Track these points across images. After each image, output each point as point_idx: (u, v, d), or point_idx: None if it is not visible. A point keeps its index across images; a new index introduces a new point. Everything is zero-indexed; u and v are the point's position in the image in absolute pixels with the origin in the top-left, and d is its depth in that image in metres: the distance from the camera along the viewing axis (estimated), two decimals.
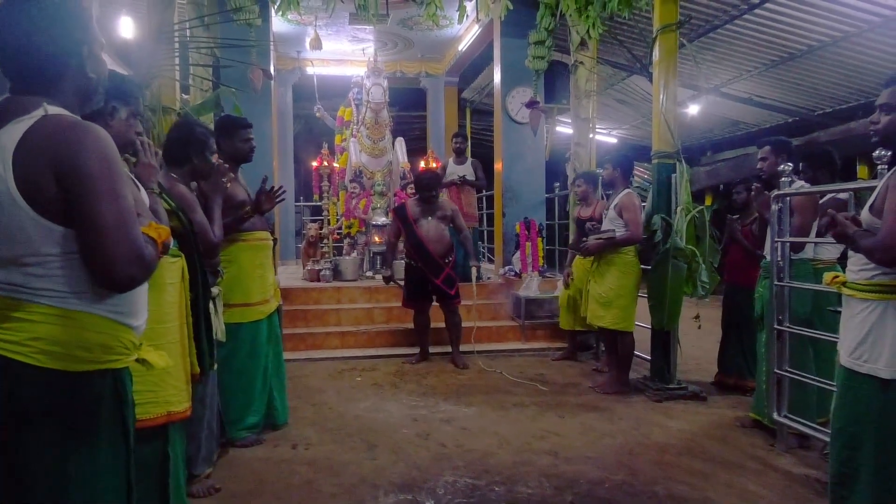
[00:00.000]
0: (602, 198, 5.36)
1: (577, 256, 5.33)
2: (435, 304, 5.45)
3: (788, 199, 3.52)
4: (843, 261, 3.85)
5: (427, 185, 5.29)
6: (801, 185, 3.61)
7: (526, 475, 3.10)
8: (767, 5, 6.49)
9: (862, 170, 9.02)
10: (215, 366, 2.95)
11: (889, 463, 2.08)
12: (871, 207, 2.13)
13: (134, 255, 1.36)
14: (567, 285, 5.41)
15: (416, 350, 5.57)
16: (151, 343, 1.79)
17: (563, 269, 5.71)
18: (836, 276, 2.30)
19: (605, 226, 4.69)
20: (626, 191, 4.63)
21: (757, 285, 3.83)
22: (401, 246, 5.66)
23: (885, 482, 2.09)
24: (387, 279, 5.50)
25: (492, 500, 2.84)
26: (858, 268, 2.16)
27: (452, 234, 5.48)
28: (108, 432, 1.44)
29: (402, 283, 5.47)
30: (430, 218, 5.26)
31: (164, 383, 2.29)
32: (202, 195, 3.03)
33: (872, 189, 2.85)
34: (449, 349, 5.48)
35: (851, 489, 2.18)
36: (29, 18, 1.37)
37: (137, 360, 1.59)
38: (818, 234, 3.49)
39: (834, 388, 3.32)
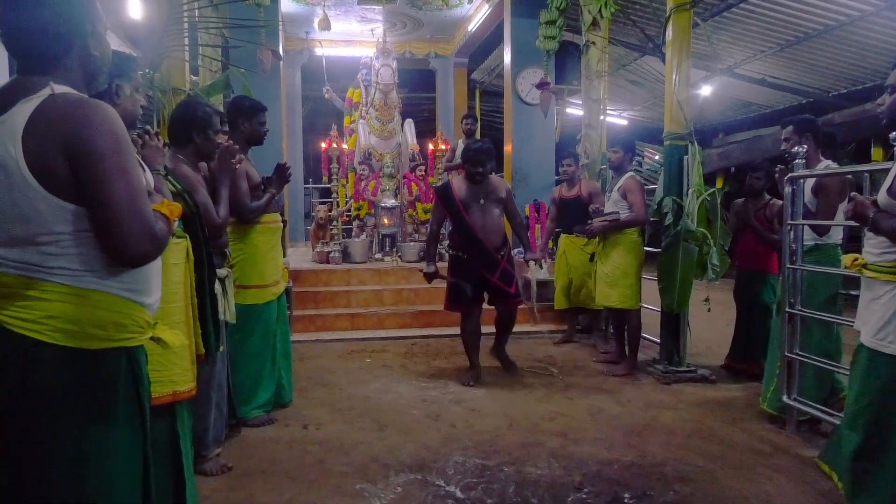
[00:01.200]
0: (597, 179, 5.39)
1: (566, 237, 5.35)
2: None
3: (802, 180, 3.48)
4: (851, 243, 3.84)
5: (478, 160, 4.26)
6: (827, 164, 3.56)
7: (535, 456, 3.12)
8: None
9: (877, 152, 8.89)
10: (221, 347, 2.97)
11: None
12: (889, 190, 2.12)
13: (145, 231, 1.37)
14: (540, 265, 5.39)
15: (430, 332, 5.34)
16: (158, 321, 1.80)
17: (542, 249, 5.66)
18: (856, 259, 2.29)
19: (609, 208, 4.73)
20: (630, 173, 4.73)
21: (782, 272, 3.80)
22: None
23: None
24: (429, 276, 4.46)
25: (501, 480, 2.86)
26: (881, 251, 2.15)
27: None
28: (125, 410, 1.46)
29: (453, 281, 4.38)
30: (481, 201, 4.30)
31: (169, 363, 2.32)
32: (211, 176, 3.03)
33: (887, 171, 2.84)
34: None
35: (875, 463, 2.21)
36: None
37: (153, 339, 1.61)
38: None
39: (844, 371, 3.36)
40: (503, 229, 4.44)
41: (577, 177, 5.46)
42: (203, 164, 3.05)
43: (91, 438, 1.39)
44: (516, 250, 6.33)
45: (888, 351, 2.14)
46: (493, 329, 4.68)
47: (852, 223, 3.24)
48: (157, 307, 1.62)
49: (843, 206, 3.50)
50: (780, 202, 4.43)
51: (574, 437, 3.37)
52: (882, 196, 2.16)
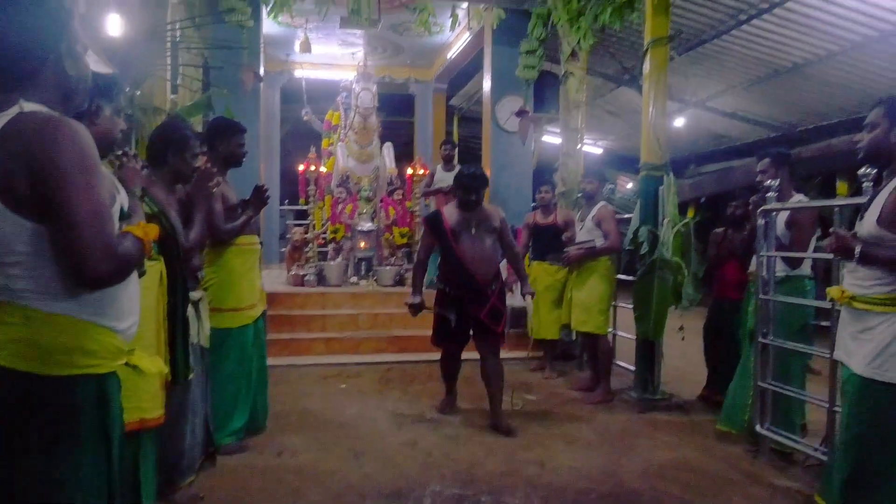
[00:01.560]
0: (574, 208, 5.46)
1: (538, 263, 5.41)
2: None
3: (775, 213, 3.57)
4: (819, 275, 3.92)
5: (472, 186, 3.96)
6: (800, 198, 3.66)
7: (512, 485, 3.10)
8: (755, 22, 6.59)
9: (842, 185, 9.17)
10: (191, 374, 2.91)
11: None
12: (879, 220, 2.19)
13: (106, 251, 1.33)
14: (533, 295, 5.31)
15: (406, 357, 5.27)
16: (134, 347, 1.76)
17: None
18: (843, 292, 2.34)
19: (583, 236, 4.84)
20: (603, 203, 4.89)
21: (747, 301, 3.86)
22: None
23: None
24: (415, 308, 4.12)
25: None
26: (871, 282, 2.21)
27: None
28: (89, 440, 1.42)
29: (439, 312, 4.10)
30: (473, 230, 3.98)
31: (139, 389, 2.26)
32: (188, 198, 2.98)
33: (858, 206, 2.93)
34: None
35: (869, 490, 2.24)
36: (3, 12, 1.35)
37: (128, 366, 1.57)
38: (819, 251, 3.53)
39: (816, 401, 3.42)
40: (496, 261, 4.14)
41: (553, 204, 5.52)
42: (180, 186, 3.01)
43: (51, 469, 1.35)
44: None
45: (884, 379, 2.19)
46: (475, 354, 4.31)
47: (825, 255, 3.34)
48: (133, 332, 1.59)
49: (814, 240, 3.62)
50: None
51: (551, 466, 3.36)
52: (869, 227, 2.22)
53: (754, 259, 3.72)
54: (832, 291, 2.42)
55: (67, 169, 1.30)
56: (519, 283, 4.35)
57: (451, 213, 4.07)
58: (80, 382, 1.40)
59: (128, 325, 1.54)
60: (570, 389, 4.97)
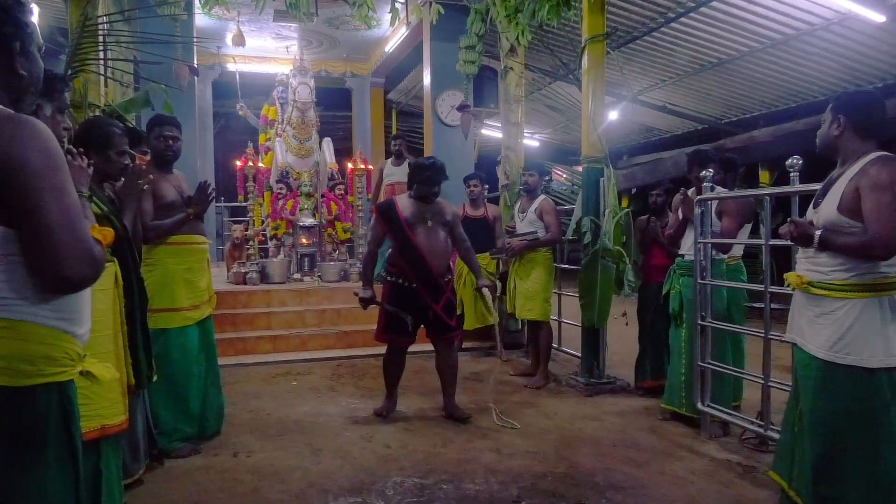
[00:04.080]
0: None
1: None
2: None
3: (710, 202, 3.77)
4: (747, 259, 4.18)
5: (434, 180, 3.91)
6: (720, 190, 3.88)
7: (472, 472, 3.17)
8: (682, 20, 6.89)
9: (763, 174, 9.70)
10: (155, 377, 2.84)
11: (873, 444, 2.27)
12: (839, 208, 2.27)
13: (85, 253, 1.31)
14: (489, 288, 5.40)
15: (356, 353, 5.23)
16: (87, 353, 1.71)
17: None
18: (800, 278, 2.42)
19: (524, 227, 4.99)
20: (544, 196, 5.06)
21: (669, 282, 4.06)
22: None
23: (870, 463, 2.28)
24: (365, 301, 4.00)
25: (441, 498, 2.89)
26: (830, 268, 2.31)
27: None
28: (56, 452, 1.38)
29: (390, 308, 3.95)
30: (429, 222, 3.93)
31: (97, 396, 2.20)
32: (117, 197, 2.87)
33: (788, 195, 3.12)
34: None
35: (835, 472, 2.33)
36: None
37: (81, 373, 1.53)
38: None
39: (749, 377, 3.63)
40: (449, 254, 4.11)
41: (483, 198, 5.66)
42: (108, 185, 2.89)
43: (18, 485, 1.30)
44: None
45: (846, 362, 2.29)
46: (424, 346, 4.38)
47: (754, 241, 3.56)
48: (88, 337, 1.55)
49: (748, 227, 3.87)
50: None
51: (508, 452, 3.45)
52: (829, 214, 2.31)
53: (686, 243, 3.93)
54: (790, 277, 2.48)
55: (36, 168, 1.25)
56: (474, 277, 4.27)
57: (405, 204, 3.97)
58: (44, 392, 1.35)
59: (86, 329, 1.51)
60: (512, 375, 5.09)
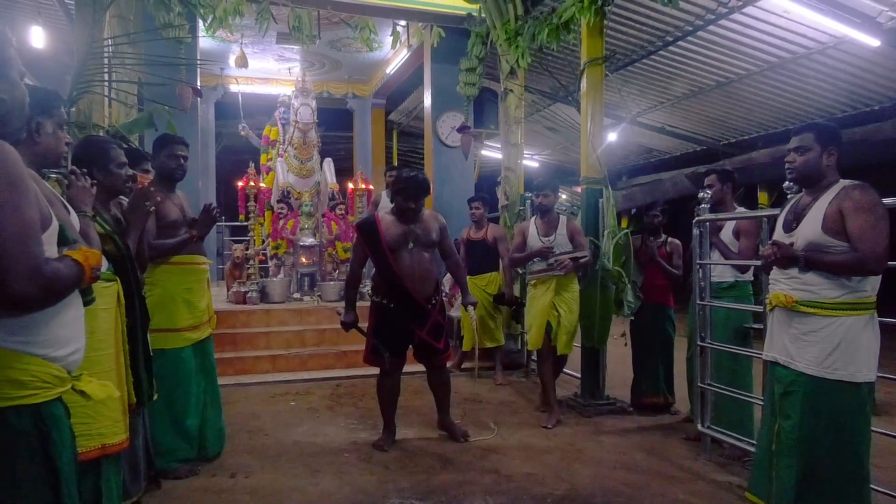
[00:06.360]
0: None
1: (468, 278, 5.32)
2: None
3: (708, 223, 3.79)
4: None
5: (413, 194, 3.71)
6: (741, 210, 3.91)
7: (471, 494, 3.15)
8: (680, 43, 6.97)
9: (762, 195, 9.76)
10: (156, 395, 2.84)
11: (858, 459, 2.35)
12: (823, 228, 2.38)
13: (30, 269, 1.29)
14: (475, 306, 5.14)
15: (356, 372, 5.18)
16: (83, 372, 1.70)
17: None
18: (787, 297, 2.48)
19: (558, 250, 4.49)
20: (568, 216, 4.69)
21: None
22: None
23: (855, 478, 2.34)
24: (346, 325, 3.90)
25: None
26: (819, 287, 2.39)
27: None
28: (29, 472, 1.37)
29: (372, 340, 3.86)
30: (411, 243, 3.73)
31: (97, 415, 2.21)
32: (124, 217, 2.89)
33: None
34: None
35: (819, 489, 2.38)
36: None
37: (76, 391, 1.53)
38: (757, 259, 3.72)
39: (751, 399, 3.62)
40: (435, 276, 3.93)
41: (486, 220, 5.68)
42: (118, 202, 2.90)
43: None
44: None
45: (835, 377, 2.37)
46: (418, 367, 4.31)
47: (752, 262, 3.57)
48: (78, 360, 1.54)
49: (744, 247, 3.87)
50: (677, 240, 4.79)
51: (507, 474, 3.43)
52: (813, 234, 2.40)
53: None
54: (777, 296, 2.52)
55: None
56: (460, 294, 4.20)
57: (387, 223, 3.75)
58: (14, 415, 1.35)
59: (68, 352, 1.50)
60: (520, 399, 5.05)
